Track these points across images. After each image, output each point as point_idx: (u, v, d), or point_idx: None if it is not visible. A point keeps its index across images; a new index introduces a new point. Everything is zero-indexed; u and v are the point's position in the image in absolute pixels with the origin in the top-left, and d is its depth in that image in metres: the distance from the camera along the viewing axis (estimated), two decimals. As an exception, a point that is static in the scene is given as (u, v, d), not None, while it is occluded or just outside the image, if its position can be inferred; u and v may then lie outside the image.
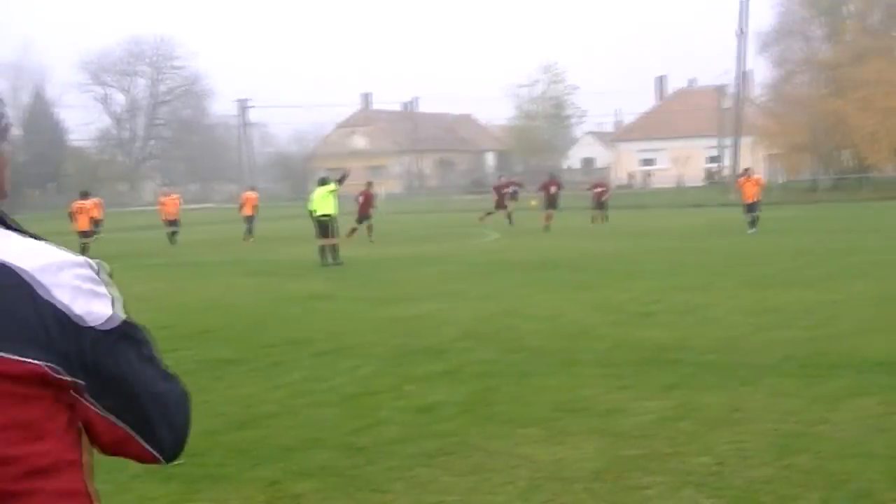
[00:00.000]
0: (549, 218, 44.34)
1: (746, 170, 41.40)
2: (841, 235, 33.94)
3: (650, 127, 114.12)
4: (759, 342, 13.47)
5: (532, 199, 51.08)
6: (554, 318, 16.45)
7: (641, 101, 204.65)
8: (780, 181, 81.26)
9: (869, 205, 59.02)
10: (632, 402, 10.34)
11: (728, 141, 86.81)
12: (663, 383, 11.11)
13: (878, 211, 50.66)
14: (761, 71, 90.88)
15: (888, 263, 23.62)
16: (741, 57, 78.84)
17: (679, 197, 75.99)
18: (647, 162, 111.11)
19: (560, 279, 22.81)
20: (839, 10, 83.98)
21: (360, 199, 40.13)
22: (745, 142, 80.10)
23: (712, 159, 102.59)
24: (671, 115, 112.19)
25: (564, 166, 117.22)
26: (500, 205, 48.02)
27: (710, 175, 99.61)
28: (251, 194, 44.88)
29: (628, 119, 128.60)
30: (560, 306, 17.94)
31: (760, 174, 42.99)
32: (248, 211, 43.70)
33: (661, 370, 11.86)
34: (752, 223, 37.10)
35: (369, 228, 39.23)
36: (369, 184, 42.12)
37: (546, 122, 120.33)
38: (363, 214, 39.72)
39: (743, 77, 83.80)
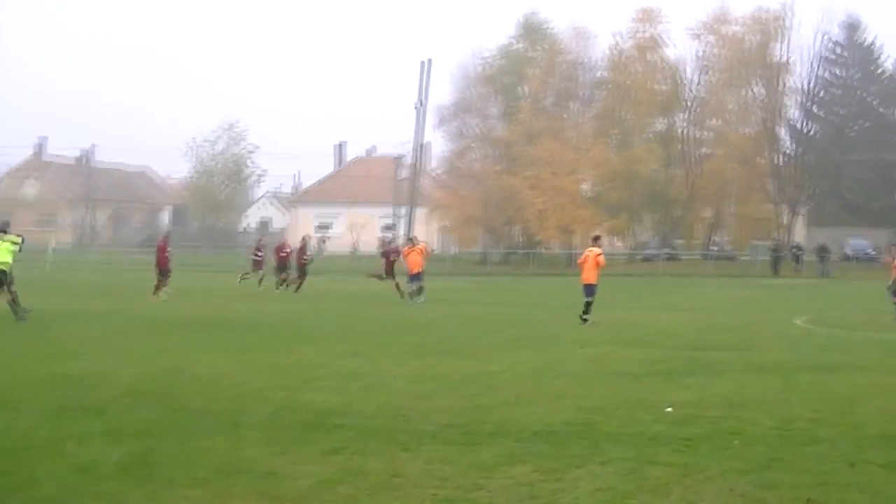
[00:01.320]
0: (284, 280, 44.59)
1: (410, 239, 42.18)
2: (506, 308, 35.02)
3: (328, 192, 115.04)
4: (421, 409, 13.70)
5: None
6: (220, 379, 16.28)
7: (322, 166, 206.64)
8: (453, 253, 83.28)
9: (535, 279, 61.14)
10: (293, 465, 10.34)
11: (403, 210, 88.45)
12: (325, 447, 11.16)
13: (544, 286, 52.56)
14: (439, 144, 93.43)
15: (548, 336, 24.53)
16: (419, 129, 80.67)
17: (356, 263, 76.69)
18: (324, 227, 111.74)
19: (229, 340, 22.58)
20: (515, 90, 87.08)
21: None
22: (420, 213, 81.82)
23: (387, 227, 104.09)
24: (349, 181, 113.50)
25: (241, 226, 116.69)
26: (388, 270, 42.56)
27: (383, 243, 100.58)
28: None
29: (307, 183, 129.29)
30: (227, 367, 17.76)
31: (424, 243, 43.54)
32: None
33: (323, 434, 11.91)
34: (418, 292, 37.59)
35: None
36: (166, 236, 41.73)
37: (224, 181, 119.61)
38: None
39: (421, 149, 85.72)
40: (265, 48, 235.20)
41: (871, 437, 12.05)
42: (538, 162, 76.73)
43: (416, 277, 37.90)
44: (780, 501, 9.21)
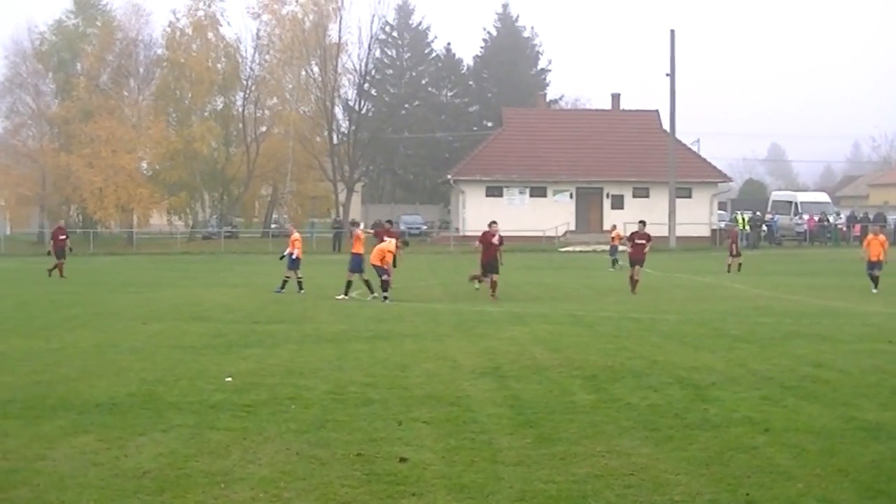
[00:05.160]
0: None
1: None
2: (65, 287, 34.44)
3: None
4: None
5: None
6: None
7: None
8: (7, 233, 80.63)
9: (95, 259, 60.13)
10: None
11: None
12: None
13: (103, 265, 51.91)
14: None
15: (107, 314, 24.53)
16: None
17: None
18: None
19: None
20: (71, 67, 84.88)
21: None
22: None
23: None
24: None
25: None
26: None
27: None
28: None
29: None
30: None
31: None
32: None
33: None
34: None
35: None
36: None
37: None
38: None
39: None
40: None
41: (418, 397, 13.09)
42: (96, 140, 75.24)
43: None
44: (332, 457, 9.99)
